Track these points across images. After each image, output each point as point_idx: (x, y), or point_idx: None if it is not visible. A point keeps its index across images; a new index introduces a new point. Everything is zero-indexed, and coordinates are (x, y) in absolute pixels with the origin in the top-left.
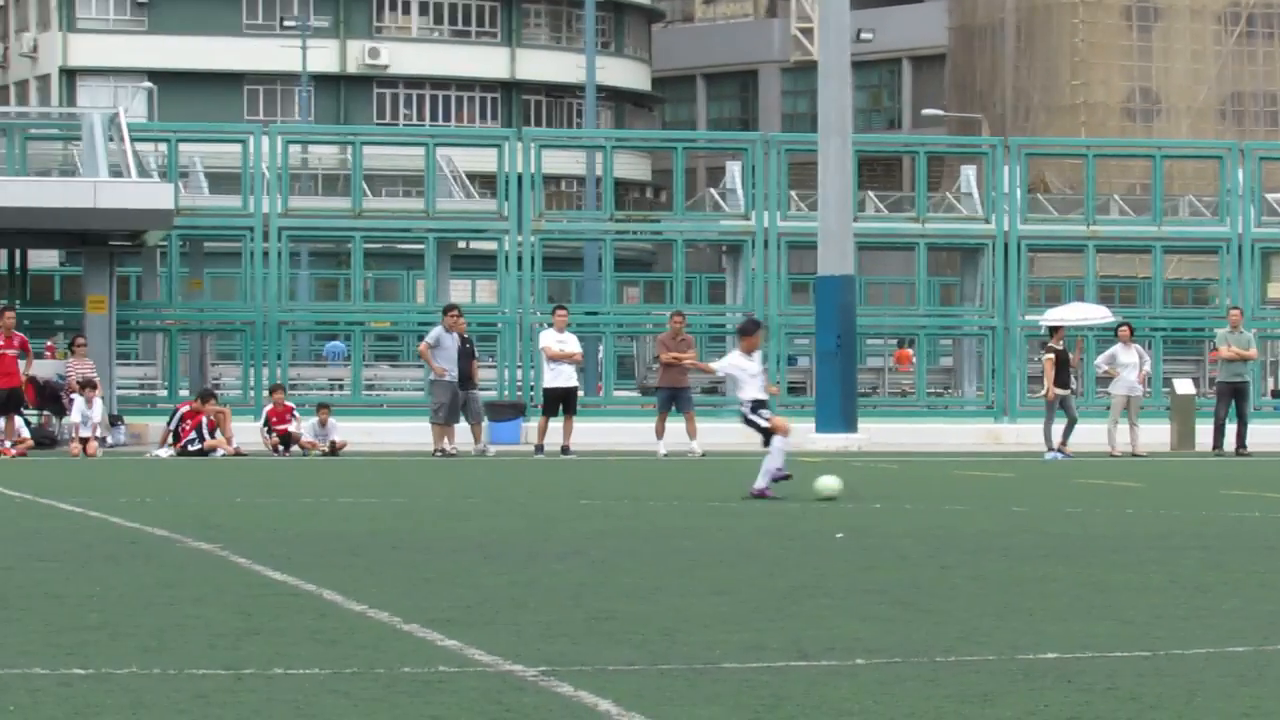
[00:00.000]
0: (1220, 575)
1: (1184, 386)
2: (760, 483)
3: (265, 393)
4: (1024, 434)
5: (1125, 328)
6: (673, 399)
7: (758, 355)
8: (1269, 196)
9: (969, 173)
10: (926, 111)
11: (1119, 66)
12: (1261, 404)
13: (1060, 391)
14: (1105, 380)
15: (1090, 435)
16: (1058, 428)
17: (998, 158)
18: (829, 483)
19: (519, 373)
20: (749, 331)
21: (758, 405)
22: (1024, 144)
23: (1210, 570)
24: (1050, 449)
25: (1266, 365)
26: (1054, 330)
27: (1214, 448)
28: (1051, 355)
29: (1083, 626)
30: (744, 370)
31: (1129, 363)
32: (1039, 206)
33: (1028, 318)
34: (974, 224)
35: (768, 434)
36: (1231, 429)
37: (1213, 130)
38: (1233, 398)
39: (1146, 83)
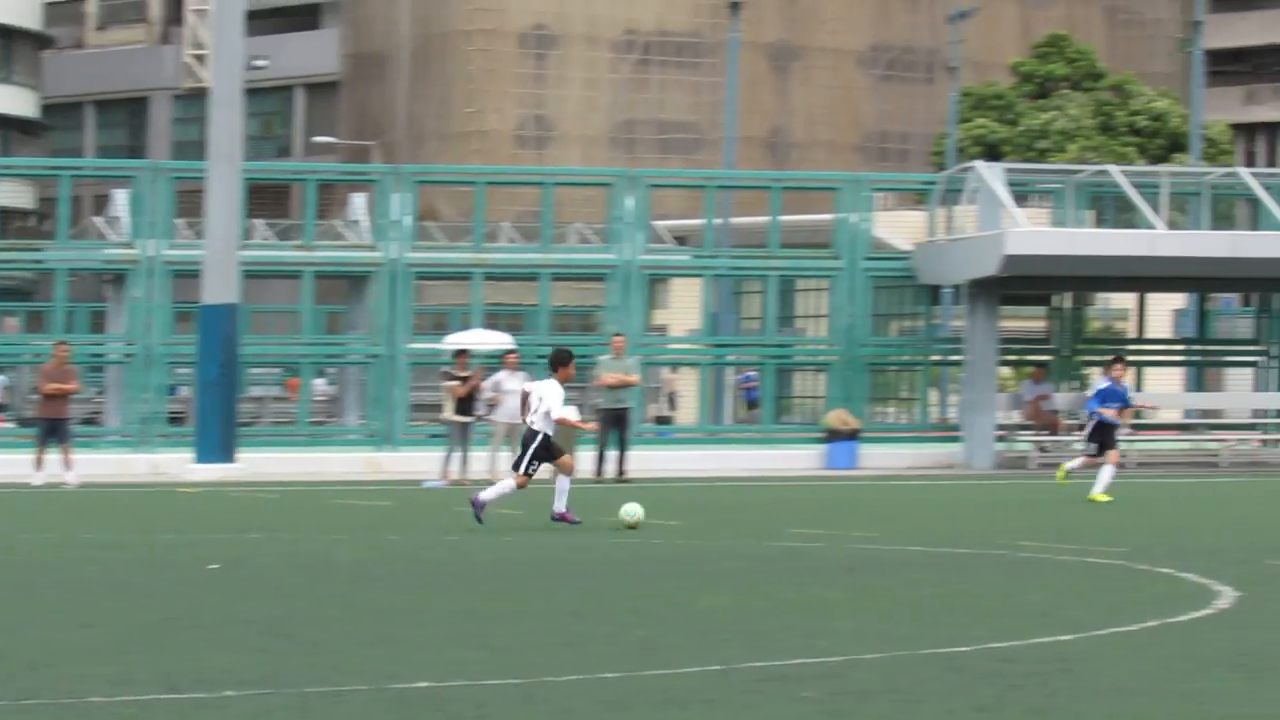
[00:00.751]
0: (595, 602)
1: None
2: (560, 504)
3: None
4: (405, 462)
5: (512, 355)
6: (52, 430)
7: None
8: (657, 224)
9: (359, 201)
10: (318, 139)
11: (513, 94)
12: (643, 430)
13: (465, 419)
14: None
15: (473, 463)
16: (454, 456)
17: (388, 186)
18: (632, 511)
19: None
20: (565, 362)
21: (546, 440)
22: (415, 172)
23: (586, 597)
24: (442, 477)
25: (650, 391)
26: (458, 356)
27: (596, 474)
28: (455, 382)
29: (456, 654)
30: (560, 400)
31: (513, 390)
32: (428, 234)
33: (413, 345)
34: (362, 252)
35: (518, 469)
36: (613, 455)
37: (605, 157)
38: (615, 424)
39: (541, 110)
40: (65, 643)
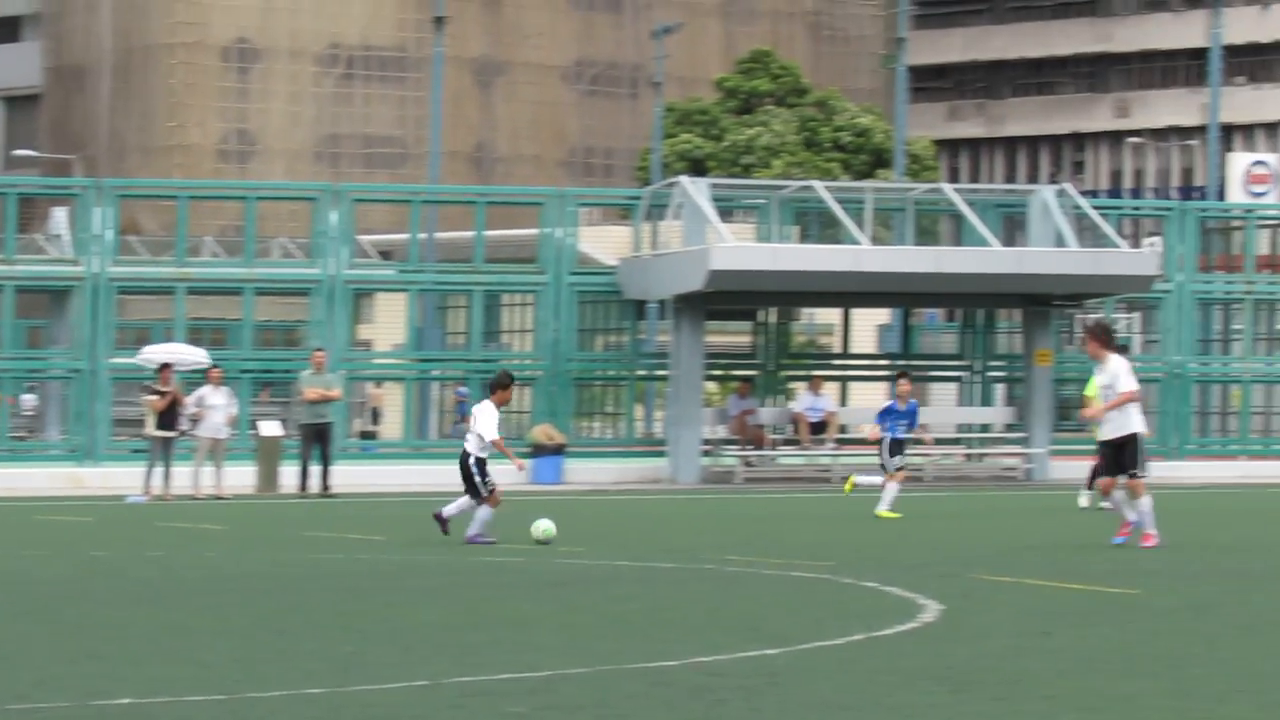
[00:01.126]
0: (301, 617)
1: (269, 428)
2: (474, 529)
3: None
4: (108, 477)
5: (216, 370)
6: None
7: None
8: (361, 238)
9: (61, 215)
10: (19, 152)
11: (216, 108)
12: (347, 445)
13: (167, 434)
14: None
15: (176, 478)
16: (156, 471)
17: (90, 199)
18: (545, 526)
19: None
20: (506, 385)
21: (482, 463)
22: (117, 186)
23: (291, 612)
24: (145, 493)
25: (354, 406)
26: (161, 371)
27: (299, 490)
28: (155, 396)
29: (160, 670)
30: (496, 422)
31: (217, 404)
32: (130, 249)
33: (115, 360)
34: (63, 266)
35: (478, 496)
36: (316, 470)
37: (309, 172)
38: (316, 439)
39: (244, 124)
40: None
